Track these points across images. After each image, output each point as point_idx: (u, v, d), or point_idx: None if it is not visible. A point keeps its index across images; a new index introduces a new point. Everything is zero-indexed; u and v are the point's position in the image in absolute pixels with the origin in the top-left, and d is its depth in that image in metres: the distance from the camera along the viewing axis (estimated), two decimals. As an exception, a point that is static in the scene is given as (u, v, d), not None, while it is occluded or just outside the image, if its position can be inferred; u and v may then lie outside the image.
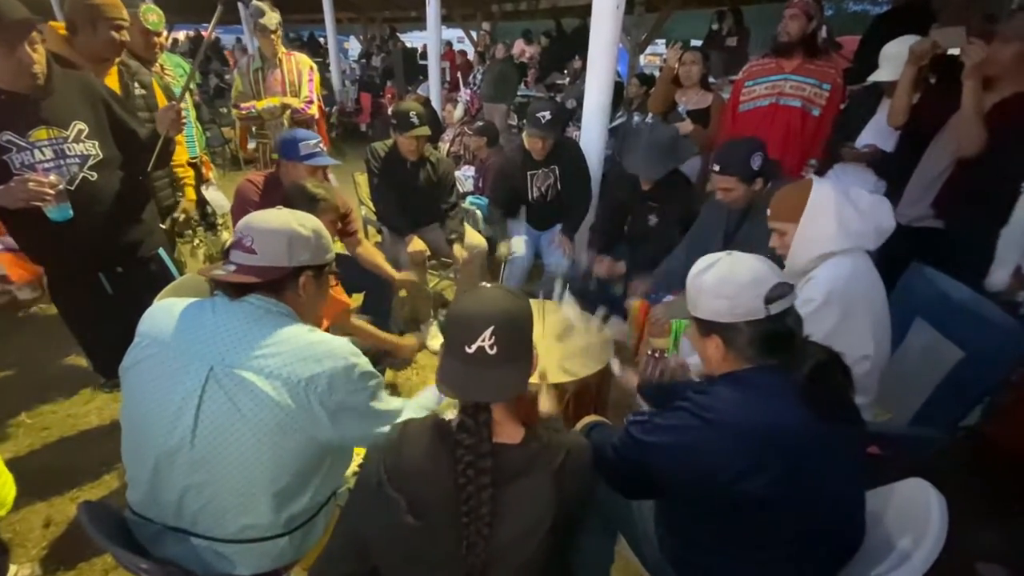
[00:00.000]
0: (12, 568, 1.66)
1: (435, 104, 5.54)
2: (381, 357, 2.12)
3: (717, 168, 2.00)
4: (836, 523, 1.03)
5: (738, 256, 1.10)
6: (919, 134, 2.19)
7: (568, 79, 7.31)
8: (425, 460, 0.87)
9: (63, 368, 2.71)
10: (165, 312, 1.10)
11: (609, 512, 1.34)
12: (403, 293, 3.04)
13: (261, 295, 1.09)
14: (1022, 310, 1.72)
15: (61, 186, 1.62)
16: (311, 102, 3.30)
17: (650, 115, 3.56)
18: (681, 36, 6.98)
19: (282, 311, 1.11)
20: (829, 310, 1.41)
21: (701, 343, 1.12)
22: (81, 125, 1.72)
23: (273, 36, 3.13)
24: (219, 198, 3.06)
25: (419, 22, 11.96)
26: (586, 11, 2.86)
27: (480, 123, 4.40)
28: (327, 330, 1.37)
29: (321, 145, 2.19)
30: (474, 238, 3.09)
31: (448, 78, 8.40)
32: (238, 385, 1.00)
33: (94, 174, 1.75)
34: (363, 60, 11.62)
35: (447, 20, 8.93)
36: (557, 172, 2.94)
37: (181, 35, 13.00)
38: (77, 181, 1.71)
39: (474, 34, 10.20)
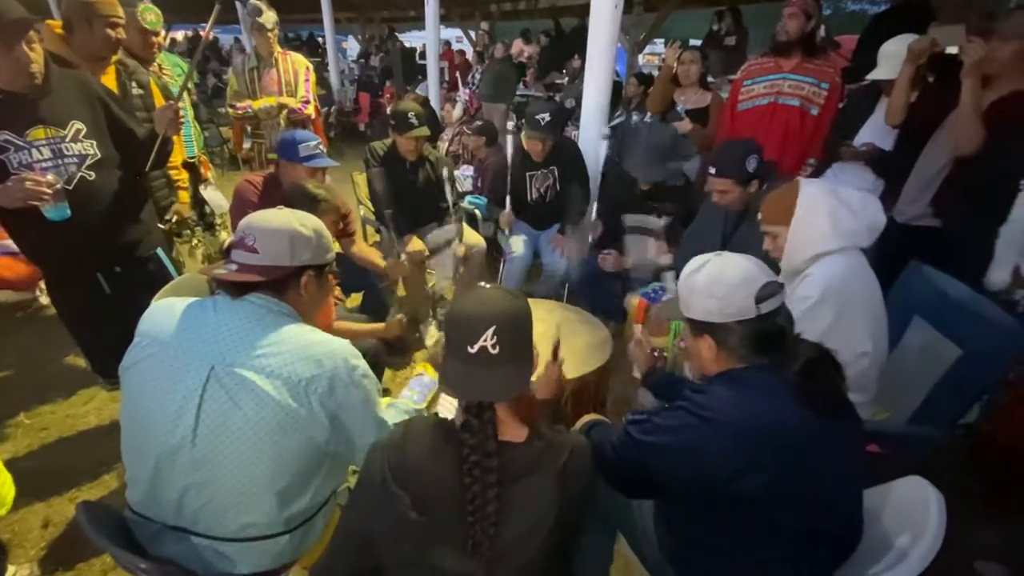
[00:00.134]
0: (11, 568, 1.65)
1: (434, 104, 5.54)
2: (380, 358, 2.12)
3: (713, 171, 2.01)
4: (834, 521, 1.04)
5: (728, 256, 1.11)
6: (917, 133, 2.20)
7: (567, 79, 7.31)
8: (429, 459, 0.87)
9: (62, 368, 2.71)
10: (165, 311, 1.10)
11: (609, 511, 1.34)
12: (401, 292, 3.04)
13: (263, 294, 1.10)
14: (1020, 308, 1.72)
15: (59, 185, 1.61)
16: (308, 102, 3.29)
17: (649, 114, 3.56)
18: (680, 35, 6.96)
19: (283, 311, 1.11)
20: (824, 308, 1.41)
21: (694, 343, 1.13)
22: (79, 125, 1.72)
23: (270, 34, 3.13)
24: (217, 198, 3.06)
25: (418, 22, 11.94)
26: (585, 10, 2.86)
27: (479, 123, 4.40)
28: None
29: (321, 146, 2.19)
30: (472, 238, 3.09)
31: (447, 78, 8.40)
32: (239, 384, 1.00)
33: (92, 174, 1.75)
34: (362, 60, 11.61)
35: (446, 20, 8.93)
36: (556, 173, 2.94)
37: (179, 35, 13.00)
38: (75, 181, 1.70)
39: (473, 34, 10.20)
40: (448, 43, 10.83)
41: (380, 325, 2.03)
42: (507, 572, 0.83)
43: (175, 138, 2.22)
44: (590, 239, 3.01)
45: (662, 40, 9.38)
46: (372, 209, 3.14)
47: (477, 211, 3.56)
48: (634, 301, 2.40)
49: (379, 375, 2.26)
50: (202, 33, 2.36)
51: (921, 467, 1.17)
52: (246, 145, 3.52)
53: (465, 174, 4.23)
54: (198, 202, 2.95)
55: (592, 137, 3.06)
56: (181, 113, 1.95)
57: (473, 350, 0.87)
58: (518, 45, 9.16)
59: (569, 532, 0.88)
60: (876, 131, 2.39)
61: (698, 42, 6.53)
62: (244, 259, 1.10)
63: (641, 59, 8.65)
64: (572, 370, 1.84)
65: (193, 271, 1.99)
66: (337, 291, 2.38)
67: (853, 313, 1.42)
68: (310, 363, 1.03)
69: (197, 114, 3.23)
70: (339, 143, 7.94)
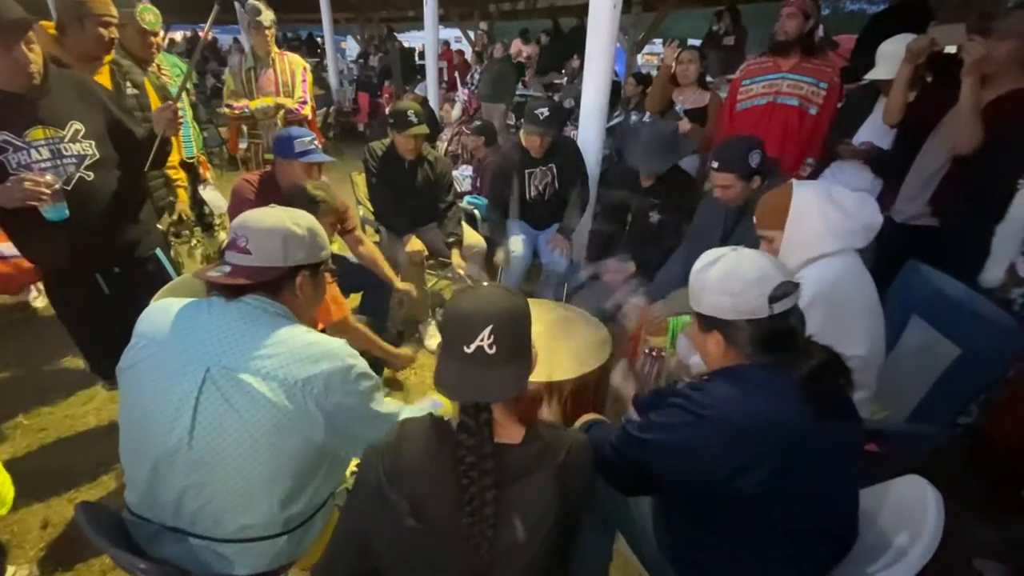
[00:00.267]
0: (10, 569, 1.65)
1: (433, 104, 5.54)
2: (377, 359, 2.12)
3: (716, 165, 2.00)
4: (832, 520, 1.04)
5: (744, 252, 1.08)
6: (915, 132, 2.20)
7: (566, 79, 7.32)
8: (425, 461, 0.86)
9: (60, 369, 2.70)
10: (162, 313, 1.10)
11: (607, 510, 1.34)
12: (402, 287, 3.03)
13: (257, 295, 1.09)
14: (1016, 307, 1.73)
15: (57, 186, 1.61)
16: (305, 102, 3.29)
17: (647, 114, 3.56)
18: (679, 35, 6.97)
19: (278, 311, 1.11)
20: (813, 311, 1.40)
21: (701, 338, 1.12)
22: (78, 125, 1.71)
23: (267, 33, 3.13)
24: (216, 198, 3.06)
25: (417, 22, 11.96)
26: (583, 10, 2.86)
27: (478, 122, 4.40)
28: (322, 332, 1.37)
29: (316, 142, 2.19)
30: (472, 238, 3.09)
31: (446, 78, 8.40)
32: (235, 386, 1.00)
33: (91, 174, 1.74)
34: (361, 60, 11.61)
35: (444, 20, 8.91)
36: (555, 170, 2.94)
37: (178, 35, 12.97)
38: (74, 181, 1.70)
39: (471, 34, 10.20)
40: (447, 43, 10.83)
41: (393, 349, 2.07)
42: (507, 573, 0.83)
43: (173, 138, 2.22)
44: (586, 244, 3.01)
45: (661, 40, 9.38)
46: (371, 209, 3.14)
47: (476, 211, 3.56)
48: (632, 302, 2.40)
49: (378, 374, 2.26)
50: (201, 33, 2.36)
51: (920, 466, 1.17)
52: (242, 145, 3.52)
53: (464, 174, 4.23)
54: (197, 202, 2.95)
55: (591, 137, 3.06)
56: (180, 113, 1.95)
57: (470, 350, 0.85)
58: (517, 45, 9.17)
59: (569, 531, 0.87)
60: (874, 131, 2.40)
61: (697, 42, 6.54)
62: (237, 261, 1.09)
63: (640, 59, 8.65)
64: (572, 370, 1.85)
65: (192, 272, 1.99)
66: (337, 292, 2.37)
67: (844, 317, 1.41)
68: (306, 364, 1.03)
69: (196, 114, 3.23)
70: (338, 143, 7.94)
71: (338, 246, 2.52)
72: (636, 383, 1.63)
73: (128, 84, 2.22)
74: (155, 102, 2.34)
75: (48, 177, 1.59)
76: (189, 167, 2.91)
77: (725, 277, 1.04)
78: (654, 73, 4.36)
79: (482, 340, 0.85)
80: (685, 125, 3.18)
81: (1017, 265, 1.74)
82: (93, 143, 1.75)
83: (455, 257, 2.85)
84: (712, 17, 6.52)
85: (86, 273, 1.88)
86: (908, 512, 1.04)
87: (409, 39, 14.03)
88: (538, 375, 1.41)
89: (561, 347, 2.01)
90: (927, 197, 2.17)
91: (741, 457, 0.94)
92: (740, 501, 0.96)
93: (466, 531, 0.81)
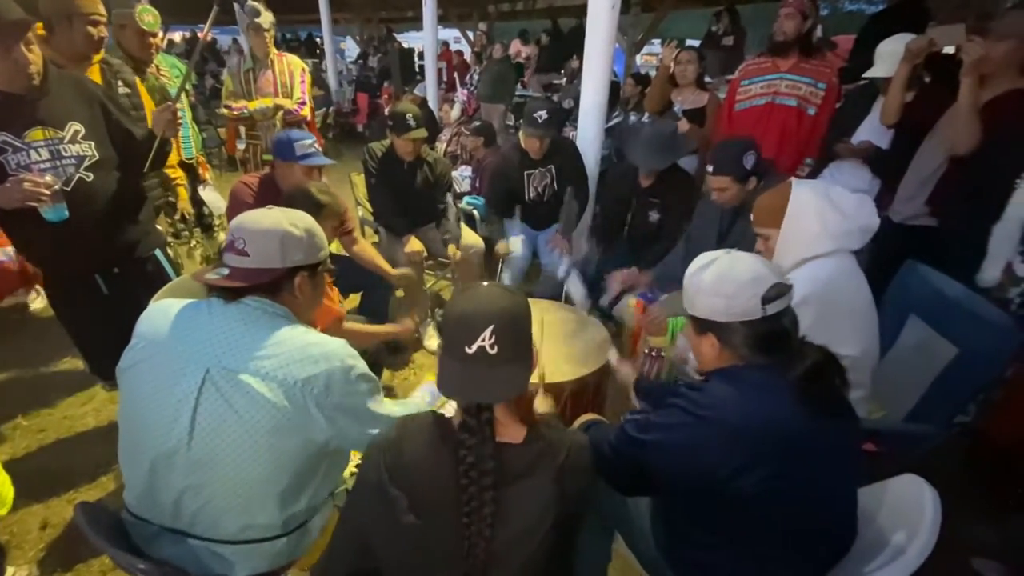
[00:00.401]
0: (9, 570, 1.65)
1: (432, 104, 5.54)
2: (379, 358, 2.12)
3: (711, 168, 2.01)
4: (831, 520, 1.04)
5: (737, 255, 1.09)
6: (913, 132, 2.20)
7: (565, 79, 7.32)
8: (426, 459, 0.86)
9: (59, 370, 2.70)
10: (162, 314, 1.10)
11: (606, 510, 1.34)
12: (400, 293, 3.04)
13: (257, 296, 1.09)
14: (1013, 306, 1.73)
15: (57, 187, 1.61)
16: (304, 103, 3.29)
17: (646, 115, 3.57)
18: (677, 36, 6.99)
19: (278, 312, 1.11)
20: (804, 310, 1.40)
21: (696, 340, 1.12)
22: (77, 126, 1.72)
23: (266, 35, 3.13)
24: (215, 199, 3.06)
25: (416, 22, 11.96)
26: (582, 11, 2.86)
27: (477, 123, 4.41)
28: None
29: (316, 145, 2.19)
30: (471, 238, 3.09)
31: (445, 78, 8.40)
32: (234, 387, 1.00)
33: (90, 175, 1.75)
34: (360, 60, 11.61)
35: (443, 20, 8.92)
36: (554, 171, 2.94)
37: (177, 36, 12.97)
38: (73, 182, 1.70)
39: (471, 34, 10.20)
40: (446, 44, 10.83)
41: (390, 326, 2.02)
42: (505, 572, 0.83)
43: (172, 139, 2.21)
44: (584, 246, 3.01)
45: (659, 40, 9.39)
46: (370, 210, 3.14)
47: (475, 211, 3.56)
48: (631, 302, 2.40)
49: (377, 375, 2.26)
50: (200, 34, 2.36)
51: (918, 465, 1.17)
52: (240, 146, 3.52)
53: (463, 175, 4.24)
54: (196, 203, 2.96)
55: (590, 137, 3.06)
56: (179, 114, 1.95)
57: (471, 350, 0.85)
58: (516, 46, 9.18)
59: (568, 532, 0.88)
60: (873, 131, 2.41)
61: (696, 42, 6.55)
62: (235, 263, 1.09)
63: (639, 59, 8.66)
64: (571, 371, 1.85)
65: (191, 273, 1.99)
66: (335, 292, 2.38)
67: (835, 317, 1.40)
68: (306, 364, 1.03)
69: (195, 115, 3.24)
70: (337, 144, 7.94)
71: (335, 246, 2.53)
72: (635, 369, 1.63)
73: (119, 83, 2.21)
74: (147, 101, 2.33)
75: (48, 178, 1.59)
76: (188, 168, 2.91)
77: (719, 279, 1.05)
78: (653, 73, 4.37)
79: (483, 340, 0.85)
80: (684, 125, 3.18)
81: (1014, 264, 1.74)
82: (92, 144, 1.75)
83: (451, 249, 2.85)
84: (711, 18, 6.54)
85: (85, 274, 1.88)
86: (905, 511, 1.05)
87: (408, 40, 14.02)
88: (537, 376, 1.42)
89: (560, 348, 2.01)
90: (925, 197, 2.18)
91: (739, 458, 0.95)
92: (739, 501, 0.97)
93: (464, 530, 0.81)
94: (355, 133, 8.50)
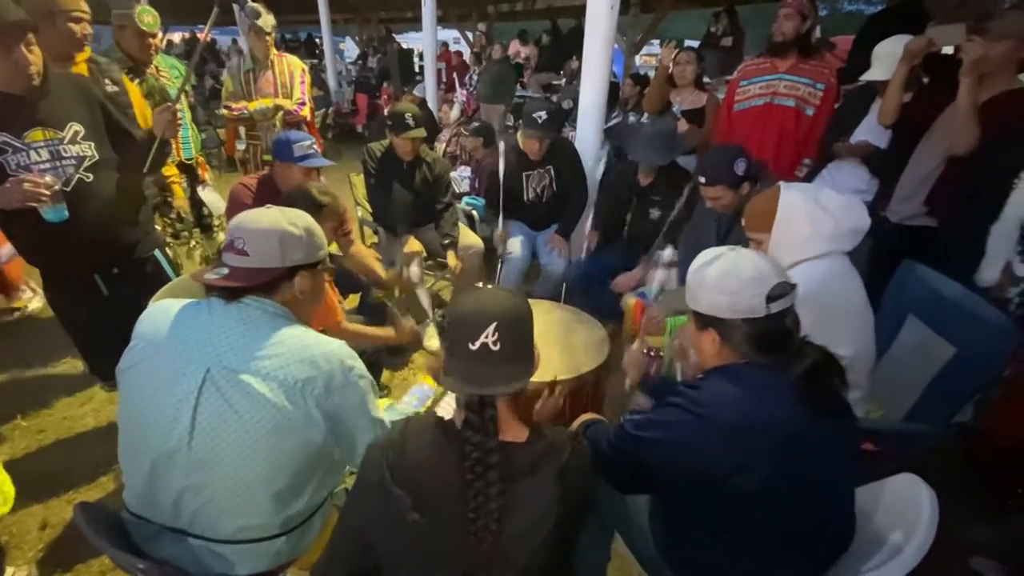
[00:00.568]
0: (9, 570, 1.65)
1: (431, 105, 5.55)
2: (378, 358, 2.12)
3: (703, 179, 2.01)
4: (830, 519, 1.04)
5: (742, 252, 1.09)
6: (911, 132, 2.21)
7: (564, 80, 7.33)
8: (430, 457, 0.87)
9: (59, 370, 2.70)
10: (162, 314, 1.10)
11: (605, 509, 1.34)
12: (398, 293, 3.04)
13: (256, 296, 1.09)
14: (1012, 306, 1.73)
15: (57, 187, 1.61)
16: (303, 103, 3.29)
17: (645, 115, 3.57)
18: (676, 36, 7.00)
19: (278, 312, 1.11)
20: (799, 312, 1.41)
21: (697, 336, 1.12)
22: (77, 126, 1.72)
23: (268, 38, 3.13)
24: (215, 199, 3.06)
25: (415, 23, 11.95)
26: (581, 12, 2.87)
27: (476, 123, 4.41)
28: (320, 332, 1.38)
29: (315, 146, 2.19)
30: (470, 238, 3.10)
31: (444, 79, 8.41)
32: (234, 387, 1.00)
33: (90, 175, 1.75)
34: (359, 61, 11.62)
35: (443, 21, 8.92)
36: (552, 172, 2.94)
37: (176, 36, 12.97)
38: (73, 182, 1.70)
39: (470, 35, 10.21)
40: (445, 44, 10.83)
41: (390, 329, 2.02)
42: (507, 571, 0.84)
43: (172, 139, 2.21)
44: (585, 244, 3.01)
45: (658, 41, 9.40)
46: (369, 210, 3.14)
47: (475, 212, 3.57)
48: (630, 301, 2.41)
49: (377, 375, 2.26)
50: (200, 35, 2.36)
51: (916, 464, 1.18)
52: (240, 147, 3.52)
53: (463, 175, 4.24)
54: (196, 204, 2.96)
55: (589, 138, 3.07)
56: (179, 115, 1.95)
57: (474, 347, 0.87)
58: (515, 46, 9.18)
59: (570, 531, 0.88)
60: (871, 131, 2.41)
61: (695, 43, 6.56)
62: (235, 262, 1.09)
63: (639, 60, 8.67)
64: (569, 370, 1.85)
65: (191, 273, 1.99)
66: (335, 291, 2.38)
67: (829, 319, 1.39)
68: (306, 365, 1.03)
69: (194, 116, 3.23)
70: (337, 144, 7.94)
71: (333, 247, 2.53)
72: (644, 367, 1.63)
73: (107, 81, 2.20)
74: (136, 99, 2.33)
75: (47, 178, 1.59)
76: (188, 169, 2.91)
77: (723, 276, 1.05)
78: (652, 74, 4.38)
79: (487, 337, 0.87)
80: (682, 126, 3.19)
81: (1013, 264, 1.74)
82: (92, 144, 1.75)
83: (451, 258, 2.85)
84: (710, 18, 6.56)
85: (85, 274, 1.88)
86: (903, 510, 1.05)
87: (407, 40, 14.03)
88: (537, 375, 1.41)
89: (559, 347, 2.01)
90: (923, 197, 2.18)
91: (738, 456, 0.95)
92: (737, 500, 0.97)
93: (471, 525, 0.82)
94: (354, 134, 8.49)
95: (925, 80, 2.33)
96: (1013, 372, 1.74)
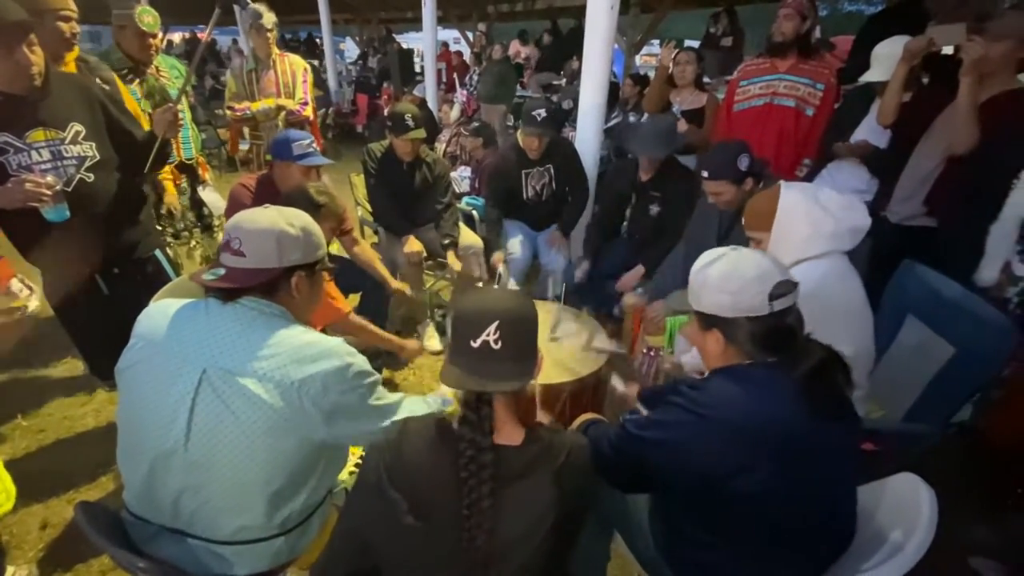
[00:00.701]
0: (9, 570, 1.65)
1: (431, 105, 5.55)
2: (377, 355, 2.12)
3: (706, 174, 2.01)
4: (830, 518, 1.04)
5: (743, 251, 1.10)
6: (910, 132, 2.21)
7: (564, 80, 7.33)
8: (426, 458, 0.87)
9: (59, 370, 2.70)
10: (160, 314, 1.10)
11: (605, 509, 1.34)
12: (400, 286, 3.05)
13: (254, 297, 1.09)
14: (1011, 306, 1.74)
15: (58, 187, 1.62)
16: (306, 104, 3.29)
17: (645, 115, 3.58)
18: (676, 36, 7.00)
19: (275, 312, 1.10)
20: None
21: (701, 337, 1.12)
22: (78, 127, 1.72)
23: (269, 35, 3.13)
24: (215, 199, 3.06)
25: (415, 23, 11.96)
26: (582, 12, 2.87)
27: (476, 124, 4.41)
28: (322, 331, 1.38)
29: (314, 145, 2.19)
30: (469, 238, 3.10)
31: (444, 79, 8.41)
32: (231, 388, 1.00)
33: (91, 175, 1.75)
34: (359, 61, 11.62)
35: (443, 21, 8.92)
36: (552, 171, 2.95)
37: (176, 37, 12.98)
38: (74, 182, 1.71)
39: (470, 35, 10.21)
40: (445, 44, 10.83)
41: (399, 340, 2.05)
42: (505, 573, 0.84)
43: (172, 139, 2.21)
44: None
45: (658, 41, 9.41)
46: (370, 210, 3.15)
47: (474, 212, 3.57)
48: (630, 301, 2.41)
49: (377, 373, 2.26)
50: (200, 35, 2.36)
51: (915, 464, 1.18)
52: (243, 147, 3.52)
53: (463, 175, 4.24)
54: (196, 203, 2.96)
55: (589, 137, 3.07)
56: (180, 116, 1.95)
57: (476, 344, 0.88)
58: (515, 46, 9.18)
59: (568, 533, 0.88)
60: (871, 131, 2.41)
61: (695, 43, 6.56)
62: (231, 263, 1.08)
63: (638, 60, 8.67)
64: (569, 372, 1.85)
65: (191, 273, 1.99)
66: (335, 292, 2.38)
67: (828, 319, 1.39)
68: (303, 365, 1.03)
69: (195, 116, 3.23)
70: (337, 144, 7.94)
71: (336, 247, 2.53)
72: (637, 382, 1.63)
73: (97, 79, 2.17)
74: (127, 97, 2.32)
75: (49, 178, 1.60)
76: (188, 168, 2.91)
77: (725, 275, 1.05)
78: (651, 74, 4.38)
79: (488, 335, 0.87)
80: (682, 126, 3.19)
81: (1013, 264, 1.75)
82: (93, 145, 1.75)
83: (451, 258, 2.86)
84: (709, 19, 6.56)
85: (86, 274, 1.88)
86: (903, 509, 1.05)
87: (408, 40, 14.03)
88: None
89: (559, 349, 2.01)
90: (922, 197, 2.18)
91: (740, 456, 0.95)
92: (738, 500, 0.97)
93: (464, 524, 0.82)
94: (355, 134, 8.49)
95: (925, 80, 2.33)
96: (1012, 372, 1.75)
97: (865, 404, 1.61)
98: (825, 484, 1.01)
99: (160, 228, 2.56)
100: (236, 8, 3.87)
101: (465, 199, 3.82)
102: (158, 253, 2.07)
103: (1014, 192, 1.75)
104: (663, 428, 1.04)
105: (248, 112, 3.17)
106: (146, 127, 2.04)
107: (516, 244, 2.98)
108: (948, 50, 2.19)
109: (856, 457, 1.12)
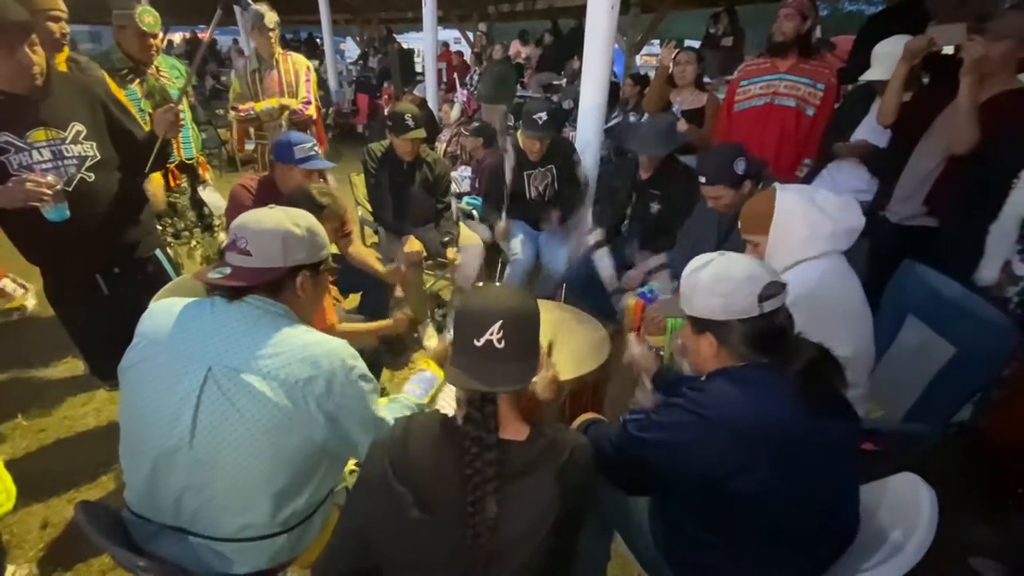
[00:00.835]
0: (10, 569, 1.66)
1: (432, 105, 5.55)
2: (379, 358, 2.12)
3: (703, 180, 2.02)
4: (831, 519, 1.05)
5: (732, 255, 1.12)
6: (910, 132, 2.21)
7: (565, 80, 7.32)
8: (432, 454, 0.88)
9: (60, 370, 2.71)
10: (164, 312, 1.10)
11: (605, 508, 1.34)
12: (399, 293, 3.05)
13: (259, 295, 1.10)
14: (1012, 306, 1.74)
15: (59, 187, 1.62)
16: (309, 103, 3.29)
17: (645, 115, 3.58)
18: (676, 36, 7.00)
19: (279, 311, 1.11)
20: (796, 313, 1.39)
21: (694, 341, 1.14)
22: (79, 126, 1.72)
23: (271, 34, 3.13)
24: (215, 199, 3.06)
25: (416, 23, 11.97)
26: (582, 12, 2.88)
27: (476, 124, 4.42)
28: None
29: (316, 148, 2.19)
30: (470, 238, 3.10)
31: (445, 79, 8.41)
32: (236, 386, 1.00)
33: (92, 175, 1.75)
34: (360, 61, 11.62)
35: (443, 21, 8.93)
36: (554, 171, 2.95)
37: (177, 37, 12.98)
38: (75, 182, 1.71)
39: (471, 35, 10.21)
40: (446, 44, 10.83)
41: (387, 321, 2.03)
42: (506, 570, 0.84)
43: (172, 139, 2.20)
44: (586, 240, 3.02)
45: (659, 41, 9.41)
46: (370, 210, 3.15)
47: (475, 212, 3.57)
48: (630, 302, 2.40)
49: (377, 375, 2.26)
50: (201, 36, 2.36)
51: (916, 464, 1.18)
52: (249, 146, 3.51)
53: (463, 175, 4.24)
54: (196, 203, 2.96)
55: (590, 138, 3.07)
56: (181, 116, 1.95)
57: (479, 343, 0.88)
58: (515, 46, 9.18)
59: (569, 531, 0.88)
60: (871, 131, 2.41)
61: (695, 43, 6.56)
62: (237, 262, 1.09)
63: (638, 60, 8.68)
64: (570, 371, 1.85)
65: (192, 272, 1.99)
66: (335, 292, 2.38)
67: (826, 319, 1.39)
68: (307, 364, 1.03)
69: (195, 116, 3.23)
70: (337, 144, 7.93)
71: (334, 247, 2.53)
72: (656, 361, 1.62)
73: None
74: (119, 95, 2.32)
75: (49, 178, 1.60)
76: (188, 168, 2.91)
77: (716, 279, 1.07)
78: (652, 74, 4.38)
79: (491, 334, 0.87)
80: (682, 126, 3.19)
81: (1013, 263, 1.75)
82: (94, 144, 1.76)
83: (450, 253, 2.86)
84: (709, 19, 6.56)
85: (86, 274, 1.89)
86: (903, 508, 1.05)
87: (408, 40, 14.03)
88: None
89: (560, 347, 2.01)
90: (922, 197, 2.18)
91: (740, 457, 0.95)
92: (738, 500, 0.98)
93: (469, 520, 0.82)
94: (355, 134, 8.50)
95: (925, 80, 2.33)
96: (1013, 372, 1.75)
97: (865, 404, 1.61)
98: (825, 484, 1.01)
99: (160, 228, 2.56)
100: (237, 9, 3.87)
101: (465, 199, 3.83)
102: (158, 253, 2.08)
103: (1014, 192, 1.75)
104: (664, 429, 1.04)
105: (252, 112, 3.17)
106: (145, 127, 2.04)
107: (518, 244, 2.98)
108: (948, 50, 2.19)
109: (856, 456, 1.12)
